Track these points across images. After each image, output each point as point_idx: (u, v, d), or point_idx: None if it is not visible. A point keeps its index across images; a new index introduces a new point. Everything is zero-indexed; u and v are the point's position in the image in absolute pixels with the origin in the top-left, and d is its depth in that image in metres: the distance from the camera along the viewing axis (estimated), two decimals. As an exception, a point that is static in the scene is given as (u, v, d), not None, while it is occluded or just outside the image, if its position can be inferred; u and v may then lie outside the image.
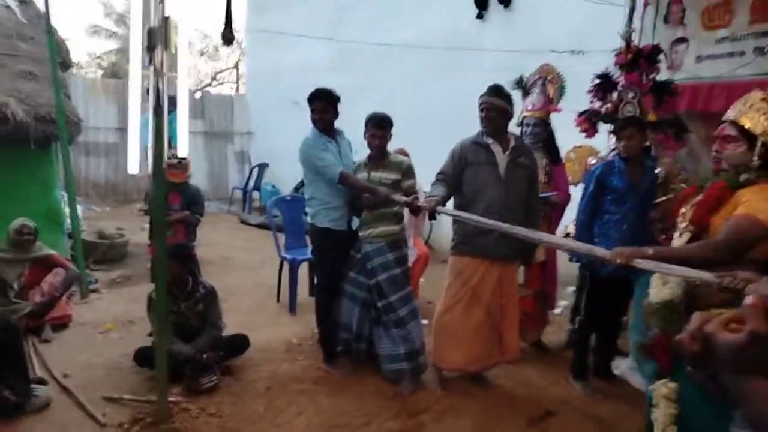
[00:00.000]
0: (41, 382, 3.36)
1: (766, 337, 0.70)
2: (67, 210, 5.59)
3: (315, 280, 3.89)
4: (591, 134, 4.05)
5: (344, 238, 3.67)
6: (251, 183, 10.19)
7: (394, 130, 3.63)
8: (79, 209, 6.46)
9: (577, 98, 4.03)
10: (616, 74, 3.95)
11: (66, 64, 6.49)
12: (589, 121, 3.99)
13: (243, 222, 9.15)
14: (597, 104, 3.96)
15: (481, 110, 3.32)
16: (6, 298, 4.26)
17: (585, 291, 3.64)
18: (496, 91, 3.31)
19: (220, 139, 11.28)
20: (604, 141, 4.15)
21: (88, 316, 4.62)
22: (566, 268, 4.32)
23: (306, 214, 3.94)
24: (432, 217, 3.45)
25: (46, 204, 5.54)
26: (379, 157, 3.57)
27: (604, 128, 4.01)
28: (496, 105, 3.28)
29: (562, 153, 4.20)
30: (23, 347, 3.34)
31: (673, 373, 2.08)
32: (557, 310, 5.07)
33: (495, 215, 3.10)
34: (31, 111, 5.22)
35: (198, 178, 10.26)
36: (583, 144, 4.34)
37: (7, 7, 6.32)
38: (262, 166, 10.20)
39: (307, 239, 4.55)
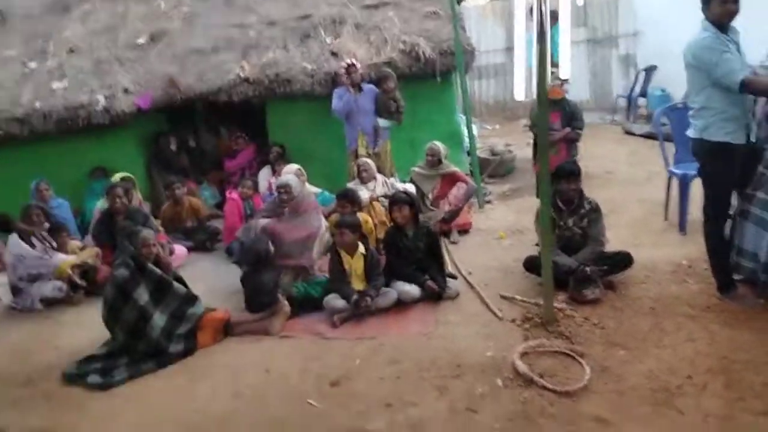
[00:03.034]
0: (453, 276, 4.15)
1: None
2: (465, 131, 6.41)
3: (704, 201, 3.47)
4: None
5: (743, 152, 3.16)
6: (637, 89, 9.43)
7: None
8: (474, 129, 7.31)
9: None
10: None
11: (460, -1, 7.18)
12: None
13: (627, 132, 8.65)
14: None
15: None
16: (424, 205, 5.31)
17: None
18: None
19: (604, 44, 10.68)
20: None
21: (485, 224, 5.34)
22: None
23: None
24: None
25: (449, 127, 6.48)
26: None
27: None
28: None
29: None
30: (441, 248, 4.16)
31: None
32: None
33: None
34: (435, 47, 6.10)
35: (580, 87, 10.14)
36: None
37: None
38: (650, 70, 9.27)
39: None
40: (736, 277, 3.43)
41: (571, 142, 4.90)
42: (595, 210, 3.85)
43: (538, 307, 3.54)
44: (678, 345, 3.05)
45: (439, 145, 5.32)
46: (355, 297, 3.72)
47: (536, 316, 3.47)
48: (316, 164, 6.03)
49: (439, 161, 5.31)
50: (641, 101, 9.46)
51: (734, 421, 2.44)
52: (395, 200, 4.06)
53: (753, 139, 3.19)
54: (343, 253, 3.93)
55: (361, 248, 3.93)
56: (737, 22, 3.18)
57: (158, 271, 3.60)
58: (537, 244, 4.19)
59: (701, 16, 3.22)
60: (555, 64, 3.66)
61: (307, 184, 5.39)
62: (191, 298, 3.70)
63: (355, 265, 3.92)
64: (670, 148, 4.82)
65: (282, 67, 6.17)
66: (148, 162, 6.56)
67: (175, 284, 3.66)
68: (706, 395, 2.63)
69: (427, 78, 6.17)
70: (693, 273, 3.83)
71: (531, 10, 3.18)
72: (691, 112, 3.36)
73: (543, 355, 3.09)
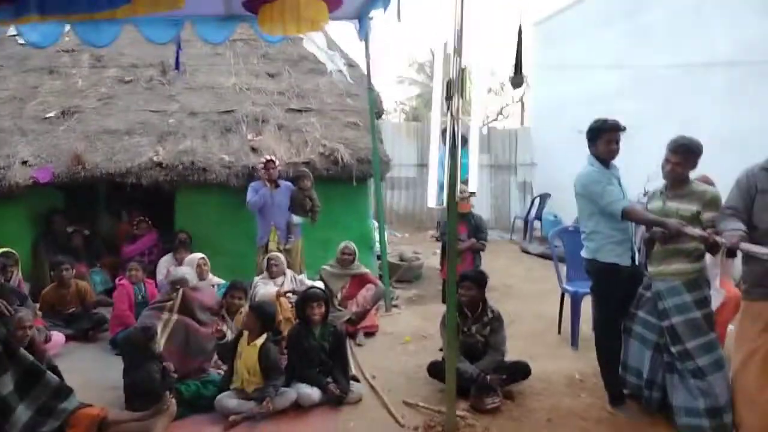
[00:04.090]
0: (356, 379, 4.03)
1: None
2: (376, 235, 6.58)
3: (594, 317, 3.74)
4: None
5: (629, 273, 3.49)
6: (533, 212, 10.29)
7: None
8: (385, 235, 7.52)
9: None
10: None
11: (380, 113, 7.71)
12: None
13: (524, 251, 9.29)
14: None
15: None
16: (332, 305, 5.25)
17: None
18: None
19: (504, 170, 11.72)
20: None
21: (391, 328, 5.33)
22: None
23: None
24: (731, 254, 3.02)
25: (361, 230, 6.63)
26: (677, 185, 3.30)
27: None
28: None
29: None
30: (347, 350, 4.08)
31: None
32: None
33: None
34: (354, 154, 6.39)
35: (481, 207, 10.87)
36: None
37: (340, 71, 7.86)
38: (544, 196, 10.22)
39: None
40: (624, 391, 3.62)
41: (476, 252, 5.18)
42: (498, 319, 3.99)
43: (440, 415, 3.50)
44: (573, 458, 3.11)
45: (353, 245, 5.40)
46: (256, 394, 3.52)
47: (438, 424, 3.41)
48: (223, 256, 5.86)
49: (352, 261, 5.35)
50: (536, 224, 10.27)
51: None
52: (313, 297, 3.97)
53: (636, 261, 3.54)
54: (243, 338, 3.76)
55: (261, 340, 3.75)
56: (618, 161, 3.65)
57: (30, 357, 3.20)
58: (441, 350, 4.23)
59: (587, 152, 3.67)
60: (464, 182, 3.95)
61: (210, 275, 5.21)
62: (64, 391, 3.28)
63: (247, 352, 3.71)
64: (563, 267, 5.22)
65: (198, 156, 6.15)
66: (35, 239, 6.06)
67: (48, 374, 3.25)
68: None
69: (343, 181, 6.38)
70: (585, 387, 3.99)
71: (444, 131, 3.48)
72: (583, 236, 3.67)
73: (444, 465, 3.02)
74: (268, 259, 5.15)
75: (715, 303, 3.71)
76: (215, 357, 4.14)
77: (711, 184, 3.84)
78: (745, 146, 5.62)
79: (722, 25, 6.84)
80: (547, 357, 4.55)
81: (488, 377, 3.70)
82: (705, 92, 7.02)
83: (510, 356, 4.08)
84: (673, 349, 3.22)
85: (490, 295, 5.83)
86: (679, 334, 3.17)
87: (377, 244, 6.49)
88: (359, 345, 4.88)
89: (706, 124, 6.52)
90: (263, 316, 3.80)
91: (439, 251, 6.58)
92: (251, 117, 6.76)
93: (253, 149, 6.32)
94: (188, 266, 4.95)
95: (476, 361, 3.83)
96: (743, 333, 3.02)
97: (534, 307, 5.92)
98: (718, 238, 2.83)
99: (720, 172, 4.15)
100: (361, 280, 5.35)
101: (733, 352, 3.12)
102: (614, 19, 8.99)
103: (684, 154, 3.23)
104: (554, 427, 3.45)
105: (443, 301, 5.04)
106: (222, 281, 5.21)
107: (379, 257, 6.40)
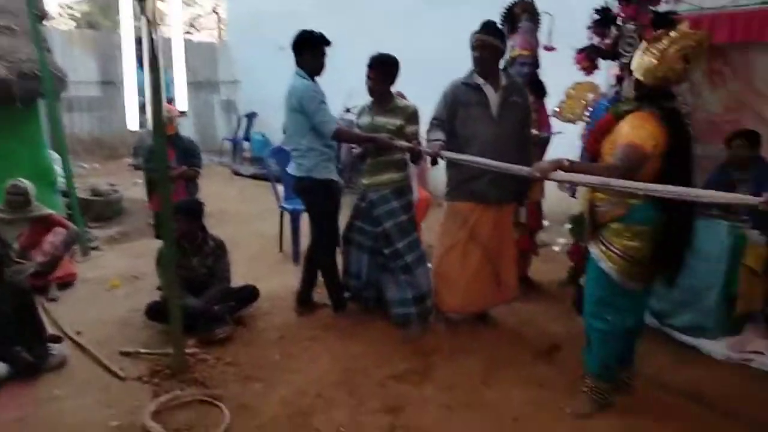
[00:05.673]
0: (55, 339, 3.39)
1: None
2: (58, 168, 5.49)
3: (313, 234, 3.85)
4: (590, 71, 3.99)
5: (341, 187, 3.72)
6: (240, 133, 10.05)
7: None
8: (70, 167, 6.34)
9: (572, 34, 3.94)
10: (615, 8, 3.84)
11: (43, 16, 6.17)
12: (588, 58, 3.93)
13: (235, 173, 9.09)
14: (596, 40, 3.89)
15: (474, 48, 3.24)
16: (8, 258, 4.23)
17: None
18: (490, 28, 3.23)
19: (205, 88, 11.00)
20: (603, 77, 4.11)
21: (92, 274, 4.63)
22: (561, 206, 4.43)
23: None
24: (434, 162, 3.42)
25: (36, 163, 5.39)
26: (383, 101, 3.50)
27: (603, 64, 3.98)
28: (490, 43, 3.20)
29: (559, 89, 4.15)
30: (36, 308, 3.35)
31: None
32: (556, 248, 5.19)
33: (488, 156, 3.01)
34: (13, 68, 5.01)
35: (185, 129, 10.07)
36: (582, 81, 4.28)
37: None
38: (251, 116, 10.03)
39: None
40: (346, 295, 3.89)
41: (190, 179, 4.75)
42: (220, 247, 3.81)
43: (167, 357, 3.22)
44: (306, 366, 3.24)
45: (26, 183, 4.36)
46: None
47: (165, 367, 3.15)
48: None
49: (27, 202, 4.34)
50: (246, 144, 10.08)
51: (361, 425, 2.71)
52: None
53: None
54: None
55: None
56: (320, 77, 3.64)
57: None
58: (159, 288, 3.85)
59: (291, 71, 3.55)
60: (169, 100, 3.47)
61: None
62: None
63: None
64: (280, 186, 5.23)
65: None
66: None
67: None
68: (335, 407, 2.85)
69: (2, 103, 5.02)
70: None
71: (139, 41, 2.94)
72: (296, 153, 3.61)
73: (179, 408, 2.81)
74: None
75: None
76: None
77: (403, 98, 4.22)
78: (426, 66, 6.38)
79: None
80: (272, 275, 4.60)
81: (216, 308, 3.55)
82: (389, 15, 7.61)
83: (235, 281, 3.97)
84: (386, 251, 3.55)
85: (207, 221, 5.58)
86: (390, 236, 3.50)
87: (61, 179, 5.43)
88: (52, 300, 4.11)
89: (393, 46, 7.15)
90: None
91: (141, 181, 5.88)
92: None
93: None
94: None
95: (201, 294, 3.61)
96: (446, 229, 3.49)
97: (252, 229, 5.89)
98: (422, 148, 3.13)
99: (408, 89, 4.59)
100: (44, 224, 4.41)
101: (435, 245, 3.60)
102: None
103: (381, 68, 3.42)
104: (286, 341, 3.54)
105: (157, 237, 4.55)
106: None
107: (65, 194, 5.39)
